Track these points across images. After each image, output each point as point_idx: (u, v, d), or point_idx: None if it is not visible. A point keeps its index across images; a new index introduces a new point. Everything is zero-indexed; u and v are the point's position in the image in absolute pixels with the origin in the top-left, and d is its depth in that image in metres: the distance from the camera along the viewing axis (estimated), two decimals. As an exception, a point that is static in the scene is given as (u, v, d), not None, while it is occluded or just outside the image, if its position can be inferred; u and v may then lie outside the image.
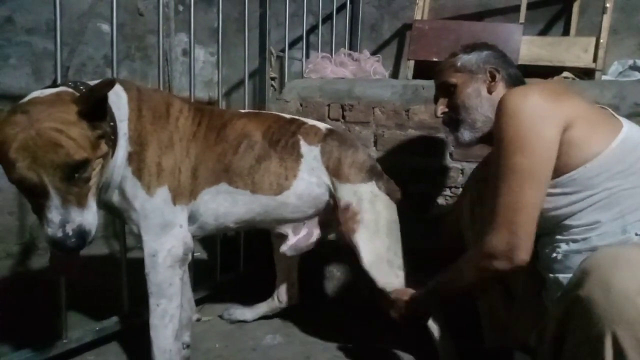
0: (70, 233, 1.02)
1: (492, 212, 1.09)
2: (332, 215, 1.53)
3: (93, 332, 1.55)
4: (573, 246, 1.09)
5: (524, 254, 1.06)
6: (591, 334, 0.81)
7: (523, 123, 1.05)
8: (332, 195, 1.50)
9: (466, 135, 1.32)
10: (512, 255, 1.06)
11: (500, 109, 1.10)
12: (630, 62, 2.26)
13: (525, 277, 1.28)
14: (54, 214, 1.02)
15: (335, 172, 1.49)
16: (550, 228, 1.14)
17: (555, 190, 1.08)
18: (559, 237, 1.13)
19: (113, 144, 1.18)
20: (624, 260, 0.82)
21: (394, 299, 1.38)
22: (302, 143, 1.50)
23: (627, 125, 1.10)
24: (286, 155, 1.47)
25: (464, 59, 1.34)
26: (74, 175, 1.03)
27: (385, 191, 1.53)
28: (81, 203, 1.05)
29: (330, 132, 1.55)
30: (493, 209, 1.08)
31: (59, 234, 1.01)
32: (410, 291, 1.37)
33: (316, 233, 1.58)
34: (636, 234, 1.01)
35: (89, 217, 1.06)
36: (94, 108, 1.07)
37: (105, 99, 1.10)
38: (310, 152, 1.49)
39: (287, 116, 1.61)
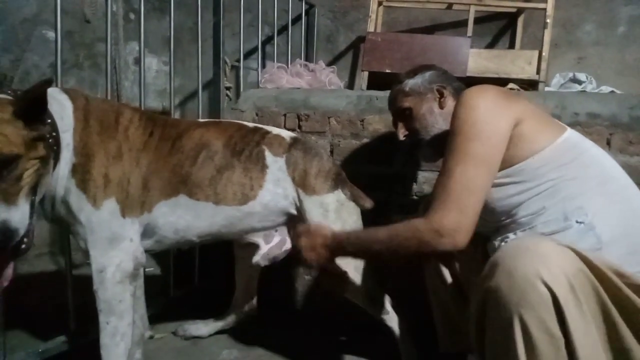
0: None
1: (443, 192, 1.12)
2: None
3: (36, 354, 1.46)
4: (520, 235, 1.15)
5: (467, 236, 1.09)
6: (502, 320, 0.87)
7: (480, 114, 1.13)
8: (298, 208, 1.49)
9: (430, 152, 1.42)
10: (456, 235, 1.08)
11: (460, 102, 1.17)
12: (571, 74, 2.38)
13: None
14: None
15: (302, 183, 1.47)
16: (500, 220, 1.21)
17: (505, 180, 1.16)
18: (507, 228, 1.19)
19: (55, 154, 1.14)
20: (524, 248, 0.89)
21: (316, 228, 1.30)
22: (267, 154, 1.47)
23: (569, 129, 1.20)
24: (251, 165, 1.44)
25: (411, 83, 1.42)
26: (2, 171, 0.99)
27: (350, 198, 1.53)
28: (9, 200, 1.00)
29: (294, 142, 1.53)
30: (445, 188, 1.12)
31: None
32: (334, 230, 1.31)
33: (289, 240, 1.54)
34: (576, 222, 1.08)
35: (17, 216, 1.01)
36: (30, 108, 1.03)
37: (42, 99, 1.05)
38: (275, 163, 1.47)
39: (250, 125, 1.57)
